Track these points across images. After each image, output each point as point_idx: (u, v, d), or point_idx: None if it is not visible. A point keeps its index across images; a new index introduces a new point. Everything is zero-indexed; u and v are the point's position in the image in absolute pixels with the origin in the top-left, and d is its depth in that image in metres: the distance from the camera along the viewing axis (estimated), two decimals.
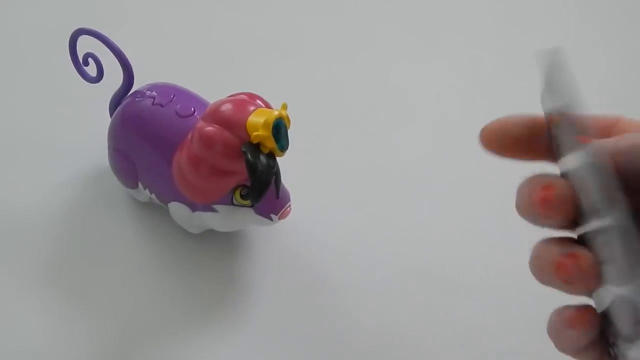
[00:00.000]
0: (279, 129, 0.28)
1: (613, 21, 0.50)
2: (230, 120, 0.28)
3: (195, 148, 0.28)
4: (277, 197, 0.30)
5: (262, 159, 0.27)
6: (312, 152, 0.37)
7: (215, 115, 0.29)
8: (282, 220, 0.31)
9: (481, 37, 0.48)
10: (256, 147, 0.28)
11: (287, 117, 0.29)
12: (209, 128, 0.28)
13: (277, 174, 0.29)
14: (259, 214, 0.30)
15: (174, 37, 0.46)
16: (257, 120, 0.28)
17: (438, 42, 0.47)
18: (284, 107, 0.29)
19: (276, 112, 0.28)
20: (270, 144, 0.28)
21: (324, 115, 0.41)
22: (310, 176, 0.36)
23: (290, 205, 0.31)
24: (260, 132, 0.27)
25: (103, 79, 0.34)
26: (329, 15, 0.49)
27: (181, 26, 0.47)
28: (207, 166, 0.28)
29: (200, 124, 0.29)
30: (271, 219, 0.30)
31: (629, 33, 0.48)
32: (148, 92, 0.32)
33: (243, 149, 0.27)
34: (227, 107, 0.29)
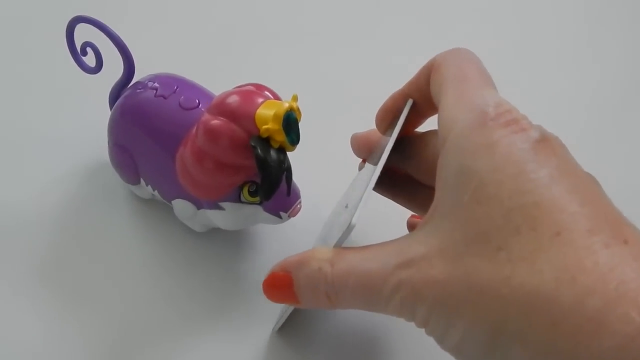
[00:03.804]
0: (290, 121, 0.26)
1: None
2: (237, 113, 0.26)
3: (201, 142, 0.27)
4: (289, 194, 0.28)
5: (273, 153, 0.26)
6: (321, 145, 0.35)
7: (221, 108, 0.27)
8: (292, 218, 0.29)
9: (488, 24, 0.47)
10: (266, 141, 0.26)
11: (298, 109, 0.27)
12: (215, 121, 0.27)
13: (288, 170, 0.27)
14: (268, 212, 0.29)
15: (176, 26, 0.44)
16: (267, 113, 0.26)
17: (448, 30, 0.46)
18: (295, 98, 0.27)
19: (286, 104, 0.26)
20: (281, 137, 0.26)
21: (332, 106, 0.39)
22: (320, 170, 0.35)
23: (300, 202, 0.29)
24: (270, 126, 0.26)
25: (102, 70, 0.32)
26: (339, 4, 0.48)
27: (184, 14, 0.45)
28: (212, 161, 0.27)
29: (206, 116, 0.27)
30: (280, 217, 0.29)
31: None
32: (150, 84, 0.31)
33: (252, 143, 0.26)
34: (233, 99, 0.27)
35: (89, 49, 0.31)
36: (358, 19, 0.47)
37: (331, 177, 0.33)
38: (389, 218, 0.31)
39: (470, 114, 0.20)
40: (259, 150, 0.25)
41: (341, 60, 0.43)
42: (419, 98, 0.26)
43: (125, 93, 0.31)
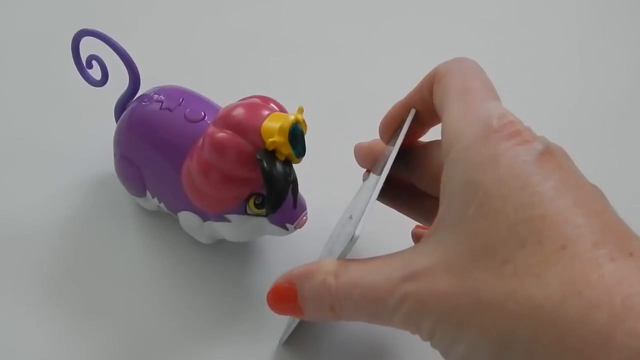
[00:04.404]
0: (296, 134, 0.26)
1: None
2: (243, 126, 0.26)
3: (207, 154, 0.27)
4: (295, 207, 0.28)
5: (279, 166, 0.26)
6: (327, 154, 0.35)
7: (227, 120, 0.27)
8: (298, 229, 0.29)
9: (491, 34, 0.47)
10: (272, 154, 0.26)
11: (304, 121, 0.27)
12: (221, 134, 0.27)
13: (294, 182, 0.27)
14: (274, 224, 0.29)
15: (181, 39, 0.45)
16: (273, 126, 0.26)
17: (451, 39, 0.46)
18: (300, 110, 0.27)
19: (292, 117, 0.26)
20: (287, 150, 0.26)
21: (337, 116, 0.39)
22: (326, 180, 0.35)
23: (306, 214, 0.29)
24: (276, 138, 0.26)
25: (108, 83, 0.32)
26: (342, 15, 0.48)
27: (189, 27, 0.46)
28: (219, 174, 0.27)
29: (212, 129, 0.27)
30: (287, 229, 0.29)
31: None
32: (155, 96, 0.31)
33: (258, 157, 0.26)
34: (239, 112, 0.27)
35: (94, 62, 0.32)
36: (362, 31, 0.47)
37: (337, 186, 0.33)
38: (393, 228, 0.31)
39: (473, 126, 0.20)
40: (265, 164, 0.25)
41: (345, 71, 0.43)
42: (422, 108, 0.26)
43: (131, 105, 0.31)
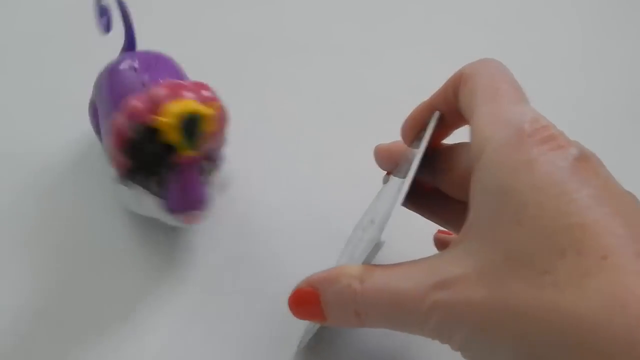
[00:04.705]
0: (192, 124, 0.25)
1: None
2: (156, 101, 0.26)
3: (118, 115, 0.27)
4: (179, 197, 0.27)
5: (149, 145, 0.25)
6: (327, 157, 0.34)
7: (151, 92, 0.27)
8: (189, 225, 0.28)
9: (500, 36, 0.46)
10: (151, 132, 0.25)
11: (211, 116, 0.26)
12: (138, 102, 0.27)
13: (166, 167, 0.26)
14: (165, 210, 0.28)
15: (181, 39, 0.43)
16: (174, 108, 0.25)
17: (463, 41, 0.45)
18: (214, 106, 0.26)
19: (194, 106, 0.25)
20: (174, 135, 0.25)
21: (339, 118, 0.38)
22: (327, 182, 0.33)
23: (204, 213, 0.28)
24: (164, 119, 0.25)
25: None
26: (344, 15, 0.47)
27: (189, 28, 0.46)
28: (117, 136, 0.27)
29: (140, 97, 0.27)
30: (176, 220, 0.28)
31: None
32: (136, 55, 0.32)
33: (133, 128, 0.25)
34: (163, 89, 0.27)
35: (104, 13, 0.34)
36: (364, 31, 0.45)
37: (338, 187, 0.32)
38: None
39: (505, 130, 0.20)
40: (132, 136, 0.25)
41: (347, 71, 0.42)
42: (446, 110, 0.25)
43: (115, 59, 0.33)
